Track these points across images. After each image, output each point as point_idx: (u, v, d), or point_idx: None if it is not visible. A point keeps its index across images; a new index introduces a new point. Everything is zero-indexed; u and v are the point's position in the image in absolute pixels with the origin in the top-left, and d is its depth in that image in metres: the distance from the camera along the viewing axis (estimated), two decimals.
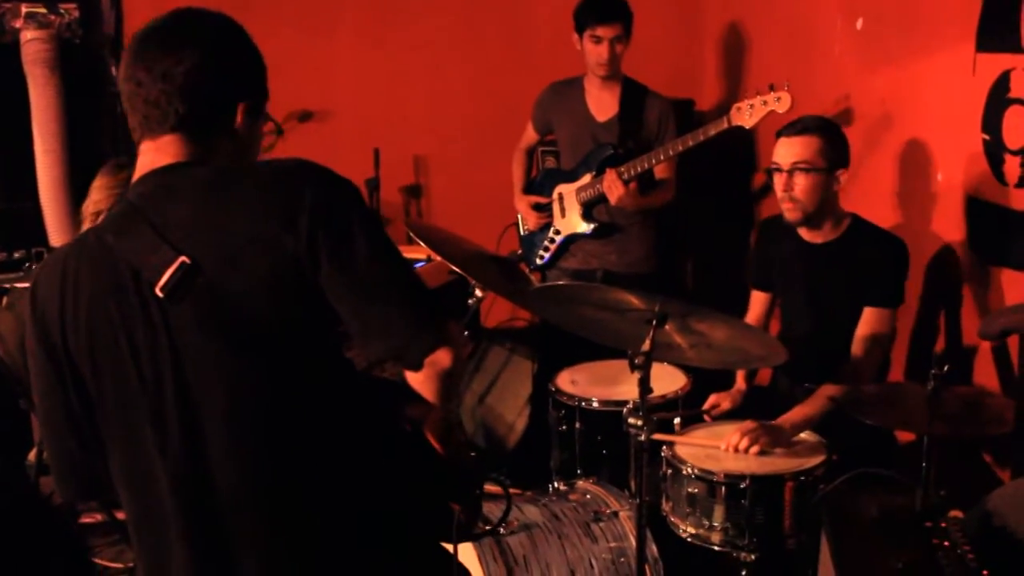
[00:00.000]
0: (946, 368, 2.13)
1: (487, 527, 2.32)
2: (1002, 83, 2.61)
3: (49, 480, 1.66)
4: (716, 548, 2.49)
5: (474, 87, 4.70)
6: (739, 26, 4.38)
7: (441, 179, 4.84)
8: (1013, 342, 2.64)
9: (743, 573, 2.52)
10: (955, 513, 2.07)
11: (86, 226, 2.56)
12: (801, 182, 2.74)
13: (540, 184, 3.95)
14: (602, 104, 3.74)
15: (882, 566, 1.97)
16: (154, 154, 1.55)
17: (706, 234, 4.67)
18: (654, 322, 2.17)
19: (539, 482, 3.15)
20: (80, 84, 4.15)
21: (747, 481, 2.42)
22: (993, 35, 2.65)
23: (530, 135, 4.03)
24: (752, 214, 4.35)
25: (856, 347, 2.76)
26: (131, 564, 3.02)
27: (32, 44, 4.04)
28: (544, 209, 3.88)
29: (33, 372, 1.59)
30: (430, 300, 1.56)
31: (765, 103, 3.20)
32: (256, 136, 1.65)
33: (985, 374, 2.78)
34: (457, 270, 2.67)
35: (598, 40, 3.61)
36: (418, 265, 3.88)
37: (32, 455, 3.27)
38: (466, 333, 3.01)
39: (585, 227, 3.75)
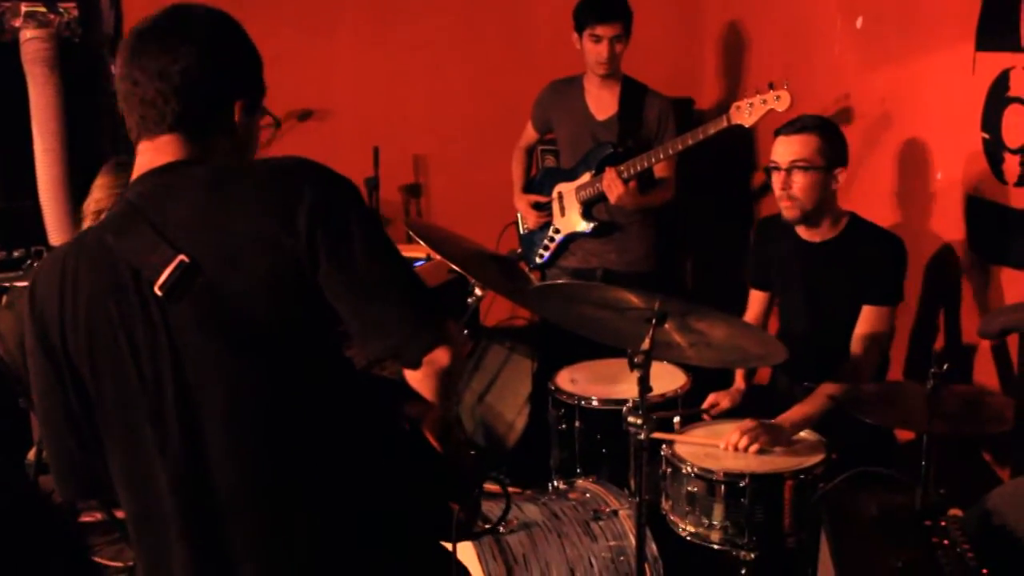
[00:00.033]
0: (946, 367, 2.13)
1: (487, 526, 2.32)
2: (1001, 82, 2.61)
3: (48, 479, 1.66)
4: (716, 547, 2.50)
5: (474, 86, 4.70)
6: (739, 25, 4.38)
7: (441, 178, 4.84)
8: (1013, 341, 2.64)
9: (743, 572, 2.52)
10: (955, 512, 2.07)
11: (87, 225, 2.56)
12: (799, 180, 2.74)
13: (540, 183, 3.95)
14: (602, 103, 3.75)
15: (882, 565, 1.97)
16: (153, 154, 1.55)
17: (706, 233, 4.67)
18: (653, 321, 2.17)
19: (539, 481, 3.15)
20: (79, 83, 4.14)
21: (746, 480, 2.42)
22: (993, 34, 2.65)
23: (530, 134, 4.03)
24: (752, 213, 4.36)
25: (855, 346, 2.76)
26: (131, 563, 3.02)
27: (31, 43, 4.04)
28: (544, 208, 3.88)
29: (32, 371, 1.59)
30: (429, 299, 1.56)
31: (765, 102, 3.20)
32: (254, 132, 1.64)
33: (985, 373, 2.78)
34: (457, 269, 2.67)
35: (598, 39, 3.61)
36: (418, 264, 3.88)
37: (32, 454, 3.27)
38: (466, 332, 3.01)
39: (585, 226, 3.75)
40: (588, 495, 2.67)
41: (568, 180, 3.78)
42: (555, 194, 3.83)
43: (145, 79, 1.51)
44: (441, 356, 1.52)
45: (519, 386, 3.92)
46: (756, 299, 3.11)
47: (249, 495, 1.51)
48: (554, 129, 3.91)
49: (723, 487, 2.44)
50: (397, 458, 1.59)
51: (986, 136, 2.69)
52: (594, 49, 3.63)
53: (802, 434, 2.65)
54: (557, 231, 3.84)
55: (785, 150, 2.76)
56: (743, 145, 4.16)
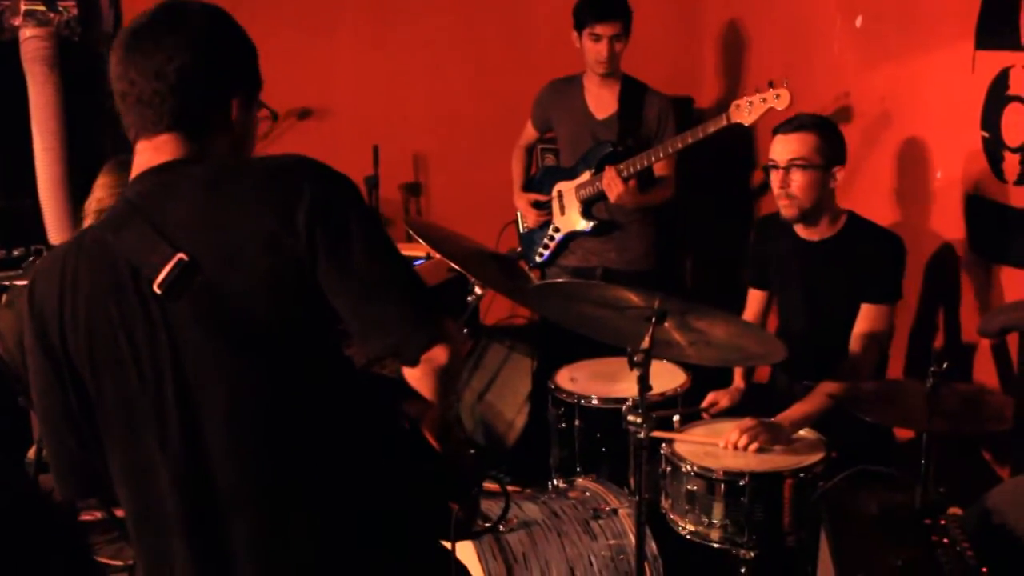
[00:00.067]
0: (945, 365, 2.13)
1: (486, 524, 2.32)
2: (1001, 80, 2.61)
3: (48, 477, 1.66)
4: (715, 545, 2.49)
5: (474, 85, 4.71)
6: (738, 24, 4.38)
7: (440, 177, 4.84)
8: (1012, 339, 2.64)
9: (742, 570, 2.52)
10: (954, 510, 2.06)
11: (88, 223, 2.56)
12: (797, 179, 2.74)
13: (539, 182, 3.95)
14: (601, 102, 3.74)
15: (881, 563, 1.96)
16: (151, 153, 1.54)
17: (705, 231, 4.67)
18: (653, 319, 2.17)
19: (538, 479, 3.15)
20: (79, 82, 4.14)
21: (746, 478, 2.42)
22: (992, 32, 2.65)
23: (529, 133, 4.03)
24: (752, 211, 4.36)
25: (854, 344, 2.76)
26: (130, 561, 3.02)
27: (31, 42, 4.04)
28: (543, 207, 3.88)
29: (31, 370, 1.59)
30: (427, 297, 1.55)
31: (764, 100, 3.20)
32: (252, 127, 1.63)
33: (984, 371, 2.78)
34: (456, 268, 2.67)
35: (597, 38, 3.61)
36: (417, 263, 3.88)
37: (31, 452, 3.28)
38: (465, 330, 3.01)
39: (584, 224, 3.75)
40: (588, 494, 2.67)
41: (568, 179, 3.77)
42: (555, 193, 3.83)
43: (141, 79, 1.50)
44: (439, 354, 1.51)
45: (519, 385, 3.92)
46: (754, 298, 3.11)
47: (249, 494, 1.51)
48: (554, 128, 3.91)
49: (723, 486, 2.44)
50: (397, 457, 1.59)
51: (986, 135, 2.69)
52: (594, 48, 3.63)
53: (802, 433, 2.65)
54: (557, 230, 3.84)
55: (783, 149, 2.76)
56: (743, 144, 4.16)
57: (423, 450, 1.59)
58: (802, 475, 2.46)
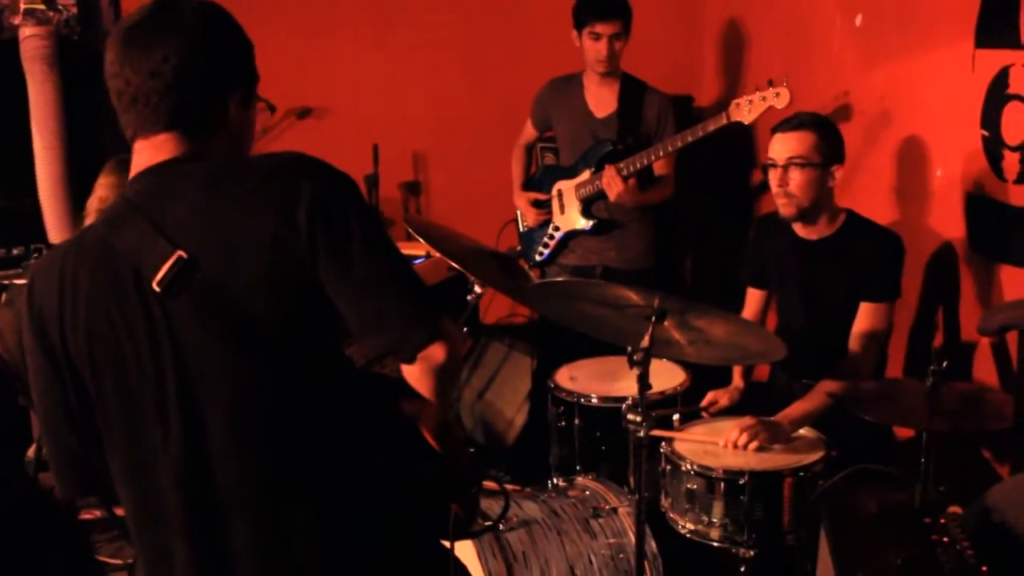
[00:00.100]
0: (945, 364, 2.13)
1: (486, 523, 2.32)
2: (1001, 79, 2.60)
3: (48, 476, 1.66)
4: (715, 544, 2.50)
5: (474, 84, 4.71)
6: (738, 22, 4.38)
7: (440, 175, 4.84)
8: (1012, 338, 2.64)
9: (742, 569, 2.52)
10: (954, 509, 2.06)
11: (89, 222, 2.56)
12: (796, 177, 2.74)
13: (539, 180, 3.95)
14: (601, 100, 3.74)
15: (881, 562, 1.96)
16: (150, 152, 1.53)
17: (705, 230, 4.67)
18: (653, 318, 2.17)
19: (538, 478, 3.16)
20: (79, 81, 4.14)
21: (746, 477, 2.42)
22: (992, 31, 2.65)
23: (529, 131, 4.03)
24: (751, 210, 4.35)
25: (853, 343, 2.76)
26: (130, 560, 3.02)
27: (31, 41, 4.04)
28: (543, 205, 3.88)
29: (31, 369, 1.58)
30: (426, 295, 1.55)
31: (764, 99, 3.20)
32: (250, 123, 1.62)
33: (984, 370, 2.78)
34: (456, 266, 2.67)
35: (597, 37, 3.61)
36: (417, 262, 3.89)
37: (31, 451, 3.28)
38: (465, 329, 3.00)
39: (584, 223, 3.75)
40: (588, 492, 2.68)
41: (568, 178, 3.77)
42: (555, 192, 3.83)
43: (137, 77, 1.49)
44: (437, 352, 1.50)
45: (518, 383, 3.93)
46: (753, 297, 3.11)
47: (250, 493, 1.51)
48: (553, 127, 3.91)
49: (722, 484, 2.44)
50: (397, 457, 1.59)
51: (985, 133, 2.69)
52: (593, 47, 3.63)
53: (801, 431, 2.65)
54: (557, 228, 3.84)
55: (782, 147, 2.76)
56: (742, 142, 4.16)
57: (423, 449, 1.59)
58: (802, 474, 2.46)
